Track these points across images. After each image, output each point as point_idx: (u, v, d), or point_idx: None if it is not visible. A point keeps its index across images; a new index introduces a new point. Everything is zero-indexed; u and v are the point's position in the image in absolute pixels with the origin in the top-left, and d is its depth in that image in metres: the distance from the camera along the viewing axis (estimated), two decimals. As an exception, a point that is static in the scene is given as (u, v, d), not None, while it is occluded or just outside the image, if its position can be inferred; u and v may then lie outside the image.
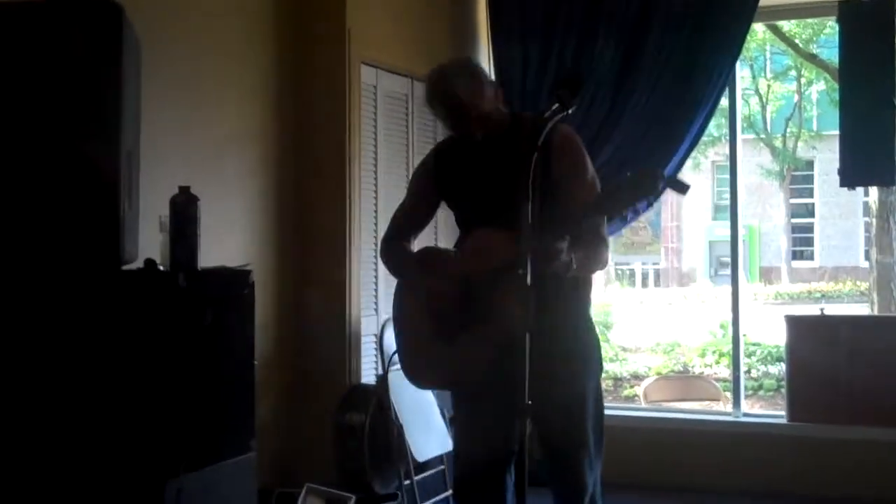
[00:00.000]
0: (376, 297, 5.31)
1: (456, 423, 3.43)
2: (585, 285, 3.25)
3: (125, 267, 3.15)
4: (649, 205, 2.82)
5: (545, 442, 3.22)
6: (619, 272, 21.52)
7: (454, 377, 3.22)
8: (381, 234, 5.25)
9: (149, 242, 3.29)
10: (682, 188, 2.87)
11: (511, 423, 2.76)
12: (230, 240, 4.54)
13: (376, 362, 5.11)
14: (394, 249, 3.41)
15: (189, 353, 3.13)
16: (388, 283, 5.38)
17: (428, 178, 3.39)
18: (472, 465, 3.23)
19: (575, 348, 3.20)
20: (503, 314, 2.89)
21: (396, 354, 3.50)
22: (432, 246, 3.52)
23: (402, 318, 3.36)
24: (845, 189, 5.64)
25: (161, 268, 3.19)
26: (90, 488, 3.07)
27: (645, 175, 2.74)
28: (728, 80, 5.69)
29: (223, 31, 4.63)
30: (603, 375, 3.38)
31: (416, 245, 3.49)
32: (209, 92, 4.50)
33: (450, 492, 5.12)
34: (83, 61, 3.03)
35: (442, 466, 5.18)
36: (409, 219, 3.46)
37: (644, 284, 22.94)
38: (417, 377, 3.38)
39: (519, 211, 2.79)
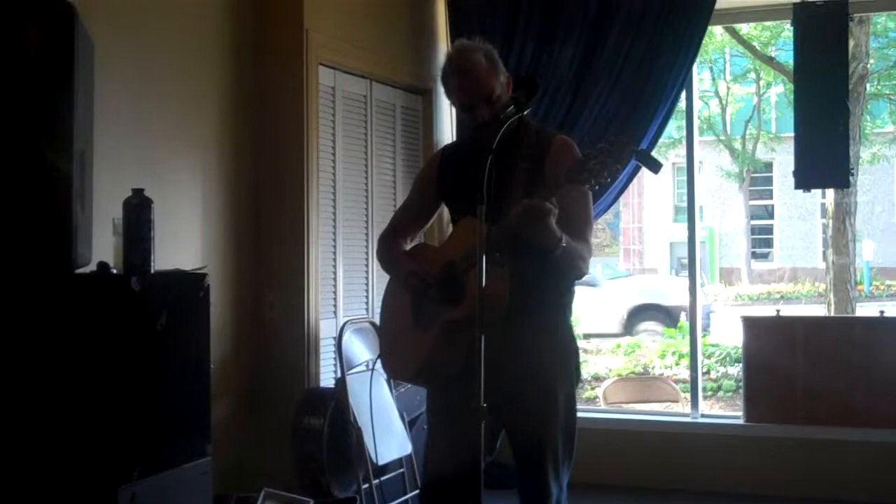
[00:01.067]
0: (335, 299, 5.29)
1: (428, 425, 3.42)
2: (569, 290, 3.26)
3: (79, 270, 3.12)
4: (613, 178, 2.81)
5: (513, 445, 3.23)
6: (581, 273, 21.55)
7: (428, 369, 3.21)
8: (340, 235, 5.30)
9: (103, 245, 3.26)
10: (653, 164, 2.90)
11: (487, 427, 2.76)
12: (186, 243, 4.51)
13: (335, 365, 5.09)
14: (388, 243, 3.44)
15: (142, 357, 3.10)
16: (347, 286, 5.37)
17: (430, 178, 3.43)
18: (441, 469, 3.20)
19: (553, 354, 3.19)
20: (474, 299, 2.89)
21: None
22: (425, 243, 3.53)
23: (387, 312, 3.40)
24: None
25: (114, 271, 3.16)
26: (42, 493, 3.03)
27: (619, 143, 2.78)
28: (686, 81, 5.74)
29: (179, 32, 4.59)
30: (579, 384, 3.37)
31: None
32: (164, 93, 4.46)
33: (410, 495, 5.12)
34: (34, 60, 2.99)
35: (401, 470, 5.17)
36: (407, 217, 3.51)
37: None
38: (394, 369, 3.41)
39: (507, 208, 2.83)
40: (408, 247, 3.45)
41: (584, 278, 3.26)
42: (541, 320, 3.15)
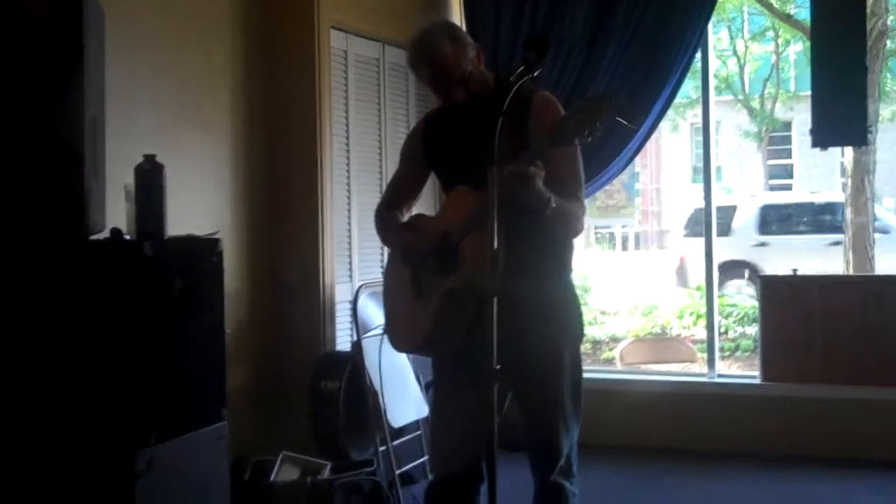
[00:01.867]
0: (350, 264, 5.29)
1: (434, 394, 3.42)
2: (568, 249, 3.23)
3: (92, 237, 3.13)
4: (594, 135, 2.79)
5: (521, 406, 3.23)
6: (599, 235, 21.56)
7: (432, 339, 3.21)
8: (354, 199, 5.30)
9: (117, 212, 3.27)
10: (632, 117, 2.85)
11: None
12: (201, 208, 4.52)
13: (351, 329, 5.10)
14: (384, 218, 3.42)
15: (157, 323, 3.12)
16: (362, 250, 5.38)
17: (416, 145, 3.39)
18: (454, 437, 3.18)
19: (554, 312, 3.18)
20: (472, 267, 2.89)
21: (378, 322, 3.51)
22: (421, 213, 3.51)
23: (389, 285, 3.39)
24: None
25: (128, 237, 3.17)
26: (60, 459, 3.07)
27: (595, 99, 2.74)
28: (701, 40, 5.68)
29: (190, -3, 4.57)
30: (583, 341, 3.37)
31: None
32: (176, 59, 4.46)
33: (426, 457, 5.14)
34: (43, 28, 2.99)
35: (418, 432, 5.19)
36: (400, 187, 3.46)
37: (624, 247, 22.99)
38: (398, 342, 3.39)
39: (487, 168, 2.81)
40: (404, 218, 3.41)
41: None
42: (540, 283, 3.13)
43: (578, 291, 3.34)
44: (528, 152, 2.89)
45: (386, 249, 5.52)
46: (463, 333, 3.03)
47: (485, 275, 2.72)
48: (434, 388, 3.42)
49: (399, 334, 3.37)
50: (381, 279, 5.31)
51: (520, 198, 2.88)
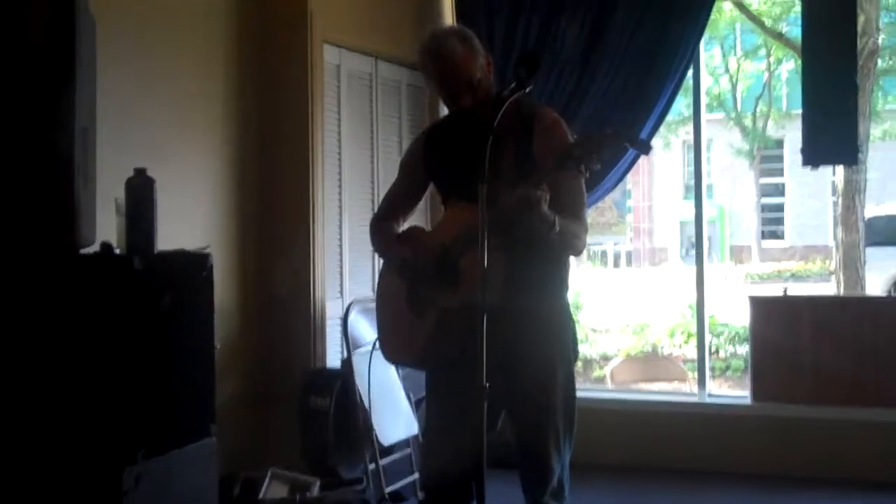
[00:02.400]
0: (341, 279, 5.28)
1: (427, 409, 3.41)
2: (565, 268, 3.23)
3: (82, 250, 3.12)
4: (601, 162, 2.82)
5: (514, 424, 3.21)
6: (590, 252, 21.58)
7: (427, 354, 3.20)
8: (346, 215, 5.29)
9: (107, 226, 3.26)
10: (642, 146, 2.87)
11: (488, 409, 2.75)
12: (191, 222, 4.50)
13: (341, 345, 5.09)
14: (380, 229, 3.40)
15: (146, 338, 3.10)
16: (353, 266, 5.37)
17: (417, 157, 3.38)
18: (443, 452, 3.17)
19: (549, 331, 3.17)
20: (471, 284, 2.88)
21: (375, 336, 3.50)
22: (417, 225, 3.50)
23: (383, 296, 3.37)
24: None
25: (118, 251, 3.16)
26: (47, 474, 3.04)
27: (606, 134, 2.77)
28: (693, 57, 5.70)
29: (183, 11, 4.57)
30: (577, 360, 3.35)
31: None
32: (168, 72, 4.45)
33: (416, 475, 5.12)
34: (36, 38, 2.99)
35: (408, 450, 5.17)
36: (398, 198, 3.45)
37: (616, 265, 23.01)
38: (391, 354, 3.39)
39: (496, 187, 2.82)
40: (400, 230, 3.40)
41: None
42: (537, 301, 3.13)
43: (572, 310, 3.34)
44: (534, 176, 2.89)
45: (377, 266, 5.53)
46: (458, 349, 3.02)
47: (483, 292, 2.72)
48: (427, 403, 3.41)
49: (392, 346, 3.36)
50: (372, 296, 5.37)
51: (526, 222, 2.88)
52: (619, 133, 2.80)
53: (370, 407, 4.75)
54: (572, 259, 3.31)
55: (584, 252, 3.44)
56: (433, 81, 3.19)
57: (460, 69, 3.08)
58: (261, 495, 4.39)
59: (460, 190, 3.03)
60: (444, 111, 6.00)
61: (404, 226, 3.43)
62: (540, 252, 3.06)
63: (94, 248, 3.17)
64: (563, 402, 3.18)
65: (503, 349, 2.98)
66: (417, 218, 3.64)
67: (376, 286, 3.44)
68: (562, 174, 2.86)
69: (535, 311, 3.12)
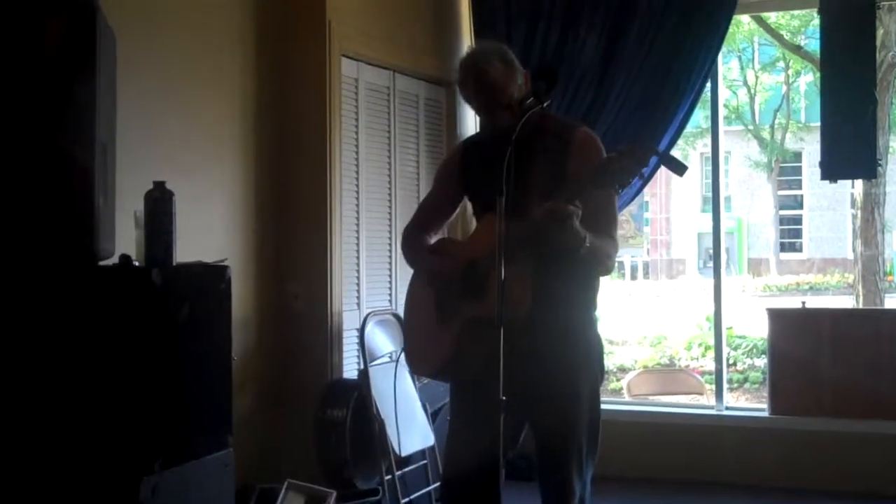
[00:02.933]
0: (358, 291, 5.29)
1: (450, 420, 3.41)
2: (593, 286, 3.23)
3: (101, 263, 3.14)
4: (641, 177, 2.84)
5: (536, 440, 3.21)
6: (609, 264, 21.48)
7: (451, 366, 3.21)
8: (363, 227, 5.31)
9: (126, 238, 3.28)
10: (678, 167, 2.88)
11: (509, 423, 2.75)
12: (209, 235, 4.52)
13: (358, 357, 5.09)
14: (411, 239, 3.42)
15: (164, 349, 3.12)
16: (370, 278, 5.38)
17: (452, 171, 3.41)
18: (463, 463, 3.15)
19: (576, 348, 3.17)
20: (496, 296, 2.88)
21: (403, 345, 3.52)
22: (448, 237, 3.51)
23: (411, 307, 3.39)
24: (831, 181, 5.64)
25: (136, 263, 3.18)
26: (65, 484, 3.06)
27: (638, 148, 2.78)
28: (711, 70, 5.70)
29: (202, 24, 4.60)
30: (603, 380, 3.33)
31: None
32: (187, 85, 4.48)
33: (432, 486, 5.12)
34: (57, 53, 3.01)
35: (424, 461, 5.17)
36: (431, 210, 3.48)
37: (633, 277, 22.98)
38: (417, 365, 3.41)
39: (529, 203, 2.84)
40: (432, 240, 3.42)
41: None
42: (564, 317, 3.13)
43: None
44: (567, 190, 2.90)
45: (394, 278, 5.55)
46: (482, 361, 3.02)
47: (511, 305, 2.73)
48: (450, 414, 3.42)
49: (417, 357, 3.39)
50: (389, 307, 5.40)
51: (556, 235, 2.88)
52: (656, 153, 2.81)
53: (386, 418, 4.75)
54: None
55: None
56: (473, 102, 3.22)
57: (499, 89, 3.10)
58: (277, 507, 4.39)
59: (492, 203, 3.05)
60: (464, 126, 6.13)
61: (436, 238, 3.45)
62: (569, 268, 3.06)
63: (114, 260, 3.19)
64: (587, 420, 3.17)
65: (528, 364, 2.99)
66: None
67: (405, 297, 3.44)
68: (596, 191, 2.86)
69: (562, 328, 3.12)
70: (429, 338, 3.27)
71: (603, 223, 3.06)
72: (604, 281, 3.31)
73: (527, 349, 2.96)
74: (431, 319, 3.25)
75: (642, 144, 2.80)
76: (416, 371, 3.48)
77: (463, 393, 3.29)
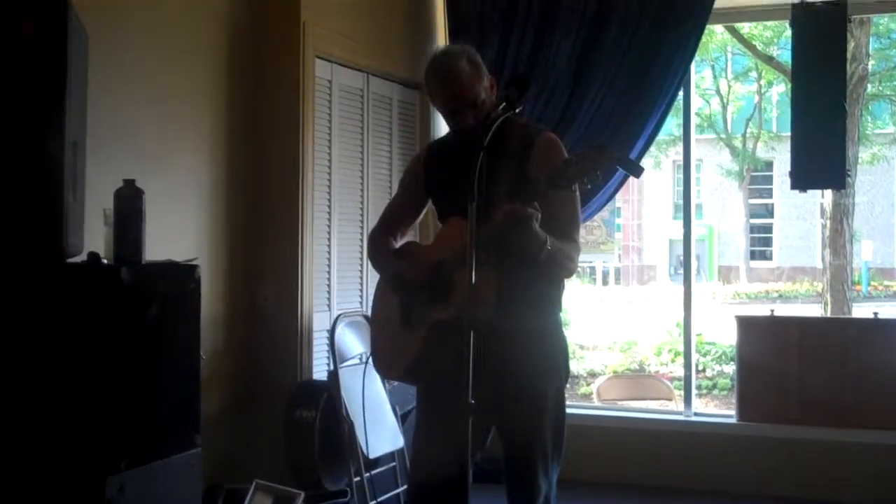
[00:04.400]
0: (329, 292, 5.29)
1: (416, 423, 3.41)
2: (558, 287, 3.24)
3: (70, 260, 3.12)
4: (596, 180, 2.84)
5: (502, 442, 3.22)
6: (580, 269, 21.60)
7: (417, 368, 3.21)
8: (335, 228, 5.30)
9: (95, 236, 3.26)
10: (635, 169, 2.88)
11: (476, 426, 2.75)
12: (180, 234, 4.50)
13: (328, 358, 5.09)
14: (377, 243, 3.43)
15: (132, 348, 3.11)
16: (341, 279, 5.38)
17: (416, 173, 3.42)
18: (429, 466, 3.16)
19: (541, 350, 3.18)
20: (461, 299, 2.88)
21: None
22: (413, 241, 3.51)
23: (377, 310, 3.39)
24: (801, 190, 5.69)
25: (105, 261, 3.16)
26: (31, 482, 3.04)
27: (594, 151, 2.78)
28: (684, 79, 5.73)
29: (175, 23, 4.58)
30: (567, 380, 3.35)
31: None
32: (159, 84, 4.45)
33: (401, 489, 5.12)
34: (28, 50, 3.00)
35: (393, 463, 5.17)
36: (396, 214, 3.49)
37: (604, 282, 23.06)
38: (384, 368, 3.40)
39: (491, 206, 2.84)
40: (398, 244, 3.43)
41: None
42: (529, 319, 3.14)
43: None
44: (525, 193, 2.90)
45: (366, 280, 5.55)
46: (448, 364, 3.03)
47: (474, 307, 2.73)
48: (416, 417, 3.42)
49: (384, 360, 3.38)
50: (360, 309, 5.40)
51: (516, 238, 2.89)
52: (612, 155, 2.81)
53: (356, 420, 4.75)
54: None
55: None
56: (438, 99, 3.22)
57: (466, 90, 3.12)
58: (244, 507, 4.38)
59: (457, 206, 3.05)
60: (437, 129, 6.13)
61: (402, 241, 3.45)
62: (532, 271, 3.07)
63: (82, 257, 3.17)
64: (552, 421, 3.18)
65: (493, 366, 3.00)
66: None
67: (372, 300, 3.44)
68: (555, 193, 2.88)
69: (527, 330, 3.13)
70: (395, 340, 3.27)
71: (564, 226, 3.07)
72: (575, 286, 3.33)
73: (492, 352, 2.97)
74: (397, 323, 3.25)
75: (599, 147, 2.79)
76: (383, 374, 3.48)
77: (429, 396, 3.29)
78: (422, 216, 3.53)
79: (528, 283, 3.09)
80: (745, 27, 13.05)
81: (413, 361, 3.20)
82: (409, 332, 3.20)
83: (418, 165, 3.44)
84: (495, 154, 3.04)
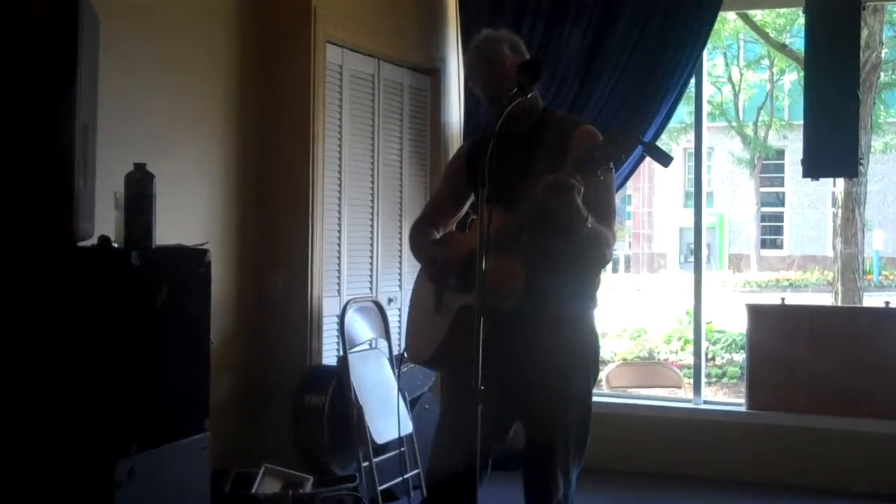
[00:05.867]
0: (339, 277, 5.29)
1: (441, 409, 3.42)
2: (592, 280, 3.23)
3: (80, 243, 3.13)
4: (618, 165, 2.85)
5: (525, 434, 3.22)
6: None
7: (443, 354, 3.22)
8: (345, 214, 5.30)
9: (106, 220, 3.27)
10: (663, 158, 2.87)
11: (499, 416, 2.75)
12: (190, 218, 4.51)
13: (338, 343, 5.10)
14: (416, 232, 3.45)
15: (142, 332, 3.11)
16: (351, 265, 5.38)
17: (459, 168, 3.42)
18: (448, 452, 3.16)
19: (572, 348, 3.16)
20: (490, 286, 2.88)
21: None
22: (455, 231, 3.52)
23: (415, 299, 3.42)
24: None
25: (116, 245, 3.16)
26: (41, 466, 3.05)
27: (624, 136, 2.79)
28: (696, 66, 5.71)
29: (186, 7, 4.57)
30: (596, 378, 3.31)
31: None
32: (170, 68, 4.45)
33: (410, 474, 5.13)
34: (38, 34, 2.99)
35: (402, 449, 5.18)
36: (438, 207, 3.51)
37: (615, 270, 23.05)
38: (413, 353, 3.41)
39: (526, 196, 2.86)
40: (439, 236, 3.44)
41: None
42: (560, 311, 3.12)
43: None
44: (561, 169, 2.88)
45: (376, 266, 5.55)
46: (472, 351, 3.02)
47: (500, 296, 2.73)
48: (441, 404, 3.43)
49: (415, 345, 3.40)
50: (369, 294, 5.41)
51: (558, 209, 2.87)
52: (640, 140, 2.80)
53: (365, 405, 4.76)
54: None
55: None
56: (479, 84, 3.24)
57: (507, 74, 3.10)
58: (253, 491, 4.39)
59: (496, 197, 3.05)
60: (448, 115, 6.12)
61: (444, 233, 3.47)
62: (565, 261, 3.05)
63: (93, 241, 3.17)
64: (575, 417, 3.17)
65: (518, 357, 2.99)
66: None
67: (412, 289, 3.46)
68: (586, 179, 2.86)
69: (556, 321, 3.12)
70: (426, 327, 3.29)
71: (601, 212, 3.04)
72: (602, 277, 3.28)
73: (517, 342, 2.97)
74: (430, 309, 3.27)
75: (626, 132, 2.79)
76: (412, 359, 3.48)
77: (453, 383, 3.30)
78: (464, 210, 3.51)
79: (558, 274, 3.07)
80: (757, 14, 12.99)
81: (439, 347, 3.21)
82: (438, 318, 3.21)
83: (460, 159, 3.44)
84: (532, 144, 3.07)
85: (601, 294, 3.27)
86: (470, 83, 3.34)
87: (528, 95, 2.94)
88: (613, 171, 2.86)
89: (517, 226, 2.90)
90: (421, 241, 3.40)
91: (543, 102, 3.30)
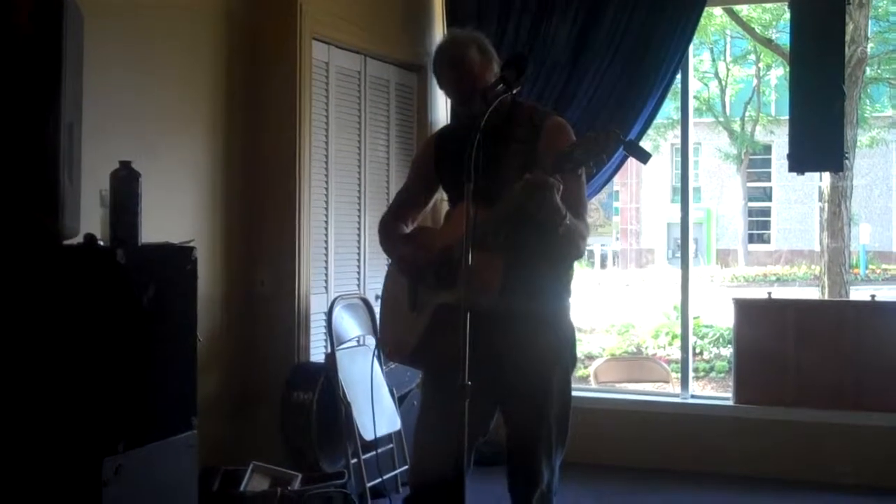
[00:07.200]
0: (326, 275, 5.29)
1: (420, 406, 3.42)
2: (567, 273, 3.24)
3: (66, 242, 3.12)
4: (603, 163, 2.84)
5: (507, 426, 3.23)
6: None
7: (422, 352, 3.22)
8: (332, 210, 5.30)
9: (92, 218, 3.26)
10: (642, 155, 2.88)
11: (480, 411, 2.75)
12: (177, 216, 4.49)
13: (325, 340, 5.09)
14: (386, 228, 3.43)
15: (129, 330, 3.11)
16: (338, 262, 5.37)
17: (427, 159, 3.41)
18: (431, 449, 3.17)
19: (547, 336, 3.17)
20: (467, 283, 2.88)
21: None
22: (425, 226, 3.51)
23: (387, 295, 3.40)
24: (800, 173, 5.68)
25: (101, 243, 3.16)
26: (27, 463, 3.04)
27: (602, 135, 2.79)
28: (682, 62, 5.72)
29: (171, 4, 4.55)
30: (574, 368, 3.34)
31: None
32: (156, 65, 4.44)
33: (398, 471, 5.14)
34: (22, 31, 2.97)
35: (390, 445, 5.18)
36: (407, 199, 3.48)
37: (602, 265, 23.07)
38: (391, 352, 3.41)
39: (500, 190, 2.85)
40: (408, 230, 3.43)
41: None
42: (536, 305, 3.13)
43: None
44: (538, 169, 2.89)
45: (363, 262, 5.55)
46: (451, 348, 3.03)
47: (478, 292, 2.73)
48: (420, 401, 3.43)
49: (391, 344, 3.40)
50: (357, 292, 5.40)
51: (537, 207, 2.88)
52: (619, 139, 2.80)
53: (353, 402, 4.76)
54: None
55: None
56: (447, 85, 3.23)
57: (475, 77, 3.12)
58: (242, 488, 4.39)
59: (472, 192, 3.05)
60: (435, 111, 6.12)
61: (413, 227, 3.45)
62: (540, 256, 3.06)
63: (78, 239, 3.16)
64: (556, 408, 3.18)
65: (497, 351, 3.00)
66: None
67: (383, 285, 3.45)
68: (562, 176, 2.86)
69: (533, 316, 3.12)
70: (402, 324, 3.28)
71: (575, 206, 3.05)
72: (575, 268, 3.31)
73: (496, 337, 2.97)
74: (404, 306, 3.26)
75: (606, 131, 2.79)
76: (389, 357, 3.49)
77: (433, 380, 3.30)
78: (433, 202, 3.51)
79: (534, 268, 3.08)
80: (743, 10, 13.02)
81: (418, 345, 3.21)
82: (415, 316, 3.21)
83: (429, 151, 3.43)
84: (503, 137, 3.05)
85: (574, 285, 3.29)
86: (438, 84, 3.31)
87: (514, 92, 2.93)
88: (593, 168, 2.86)
89: (496, 223, 2.90)
90: (392, 239, 3.39)
91: (522, 95, 3.30)
